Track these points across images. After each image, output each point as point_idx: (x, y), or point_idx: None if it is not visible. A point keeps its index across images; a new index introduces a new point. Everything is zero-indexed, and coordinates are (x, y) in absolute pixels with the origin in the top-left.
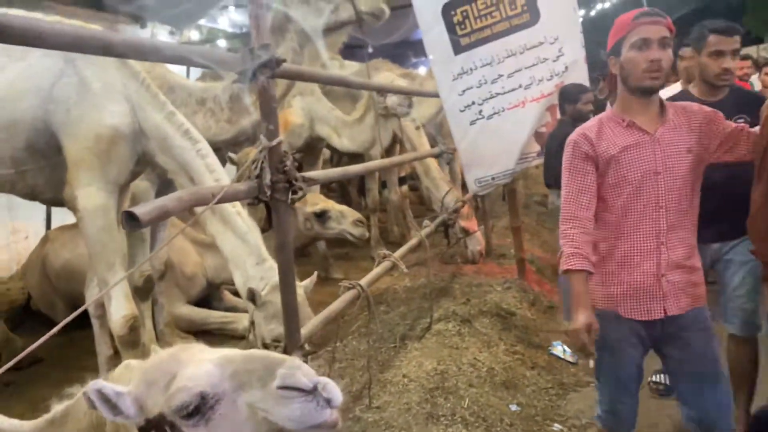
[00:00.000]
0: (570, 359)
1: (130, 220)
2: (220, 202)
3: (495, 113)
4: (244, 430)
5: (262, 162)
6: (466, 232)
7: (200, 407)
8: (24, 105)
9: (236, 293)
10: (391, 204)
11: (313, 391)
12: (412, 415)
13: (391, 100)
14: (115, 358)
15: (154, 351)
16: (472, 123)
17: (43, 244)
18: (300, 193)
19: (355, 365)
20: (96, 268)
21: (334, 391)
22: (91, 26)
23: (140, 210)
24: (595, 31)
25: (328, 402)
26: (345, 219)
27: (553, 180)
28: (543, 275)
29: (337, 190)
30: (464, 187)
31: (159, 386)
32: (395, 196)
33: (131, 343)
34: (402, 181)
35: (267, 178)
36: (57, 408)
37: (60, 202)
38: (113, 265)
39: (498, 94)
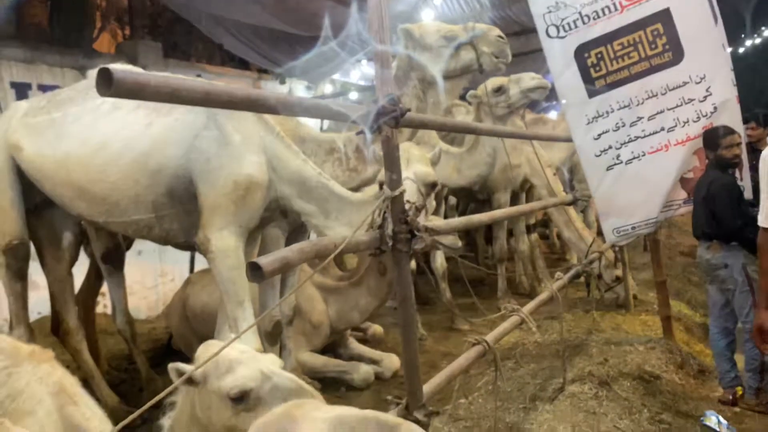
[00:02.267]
0: None
1: (254, 270)
2: (342, 253)
3: (634, 158)
4: None
5: (385, 212)
6: (618, 280)
7: None
8: (169, 154)
9: (361, 340)
10: (519, 254)
11: None
12: None
13: (520, 86)
14: None
15: None
16: (609, 168)
17: (185, 286)
18: (422, 244)
19: (481, 426)
20: (226, 306)
21: None
22: (229, 84)
23: (264, 261)
24: (747, 69)
25: None
26: None
27: (701, 231)
28: (692, 334)
29: (463, 237)
30: (600, 234)
31: None
32: (524, 245)
33: None
34: (531, 228)
35: (389, 228)
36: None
37: (189, 247)
38: (242, 302)
39: (638, 137)
